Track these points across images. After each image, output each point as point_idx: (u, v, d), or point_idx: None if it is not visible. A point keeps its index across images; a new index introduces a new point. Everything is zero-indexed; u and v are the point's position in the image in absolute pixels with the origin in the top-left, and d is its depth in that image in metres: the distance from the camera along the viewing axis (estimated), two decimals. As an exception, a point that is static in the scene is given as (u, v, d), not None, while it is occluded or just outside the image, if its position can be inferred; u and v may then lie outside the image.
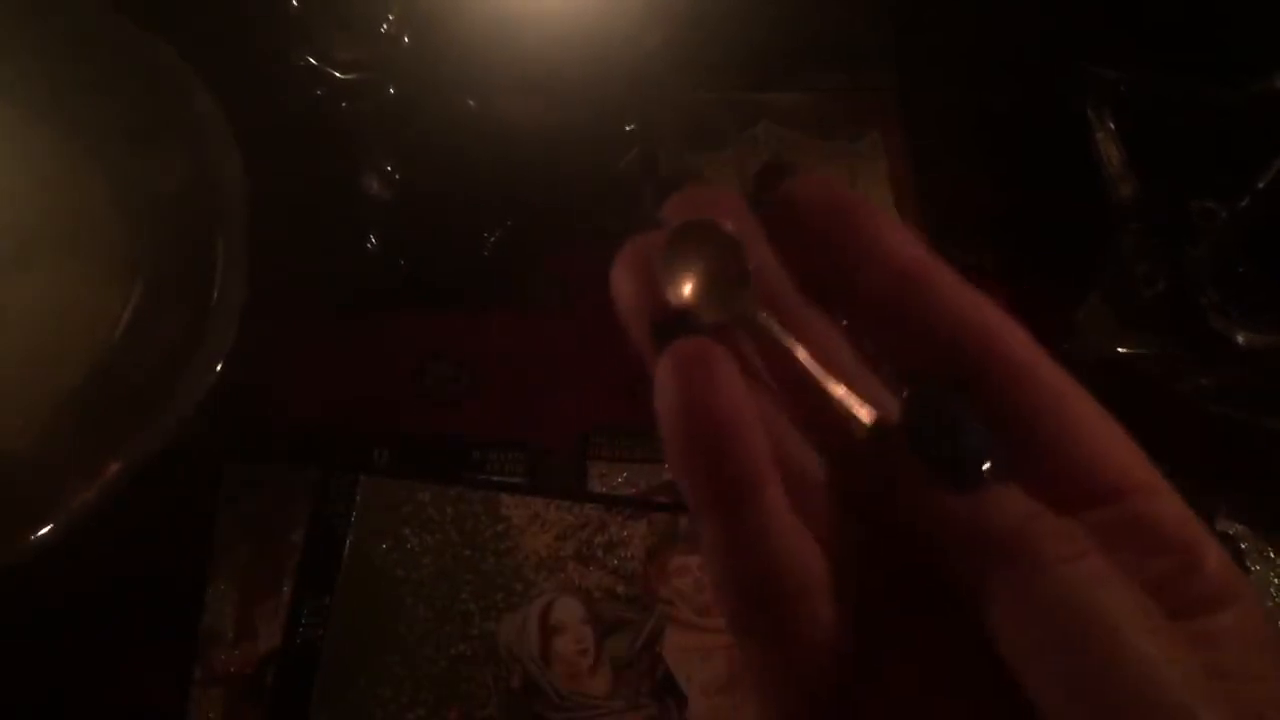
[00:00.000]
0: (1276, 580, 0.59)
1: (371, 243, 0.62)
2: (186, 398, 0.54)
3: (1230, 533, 0.60)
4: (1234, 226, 0.62)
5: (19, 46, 0.59)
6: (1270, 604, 0.58)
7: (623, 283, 0.26)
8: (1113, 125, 0.64)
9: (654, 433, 0.60)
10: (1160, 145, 0.64)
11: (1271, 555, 0.59)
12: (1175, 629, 0.21)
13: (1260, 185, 0.62)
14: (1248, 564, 0.59)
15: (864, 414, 0.24)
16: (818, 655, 0.23)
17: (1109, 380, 0.62)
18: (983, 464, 0.23)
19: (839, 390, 0.25)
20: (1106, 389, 0.65)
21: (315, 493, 0.56)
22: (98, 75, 0.59)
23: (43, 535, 0.50)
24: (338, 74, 0.56)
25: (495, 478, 0.58)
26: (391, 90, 0.57)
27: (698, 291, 0.25)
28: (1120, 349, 0.62)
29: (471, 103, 0.57)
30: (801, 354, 0.25)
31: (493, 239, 0.63)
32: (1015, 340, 0.25)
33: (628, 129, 0.63)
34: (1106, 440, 0.24)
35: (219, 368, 0.54)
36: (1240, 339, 0.60)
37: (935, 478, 0.23)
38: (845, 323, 0.26)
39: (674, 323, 0.24)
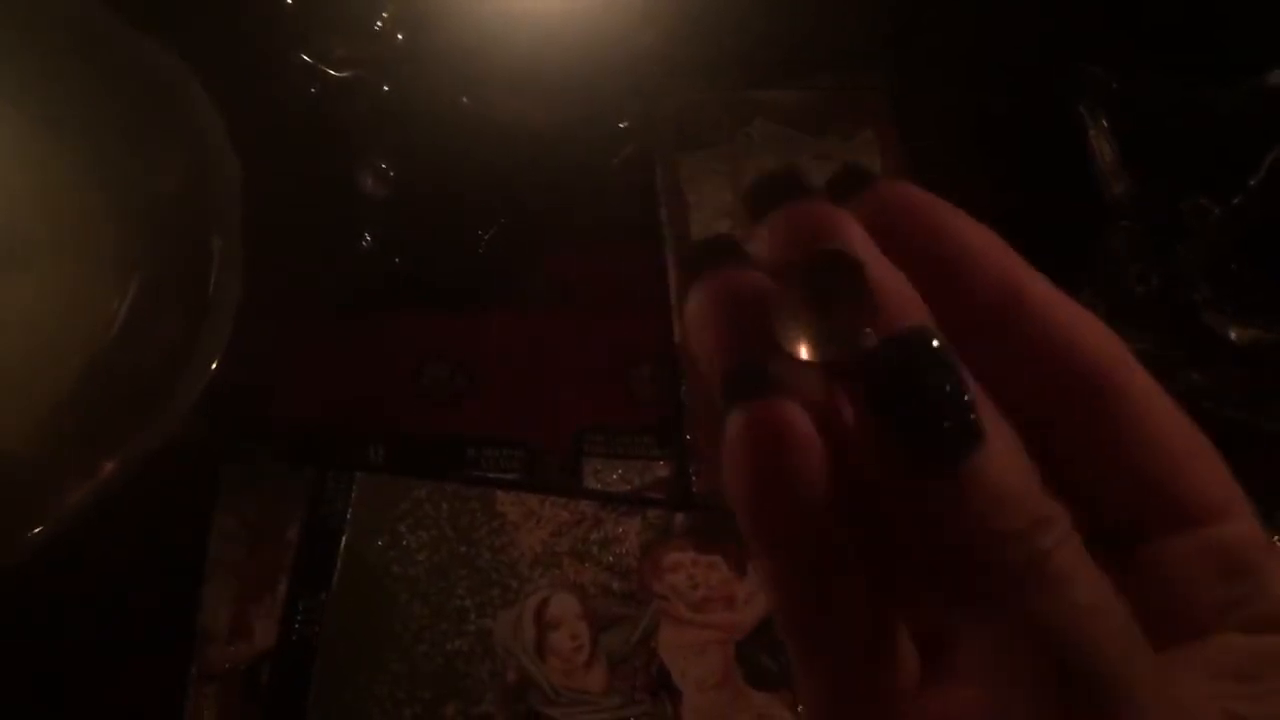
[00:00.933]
0: (1270, 575, 0.59)
1: (367, 241, 0.63)
2: (183, 397, 0.54)
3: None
4: (1227, 224, 0.62)
5: (16, 47, 0.59)
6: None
7: (706, 329, 0.23)
8: (1106, 124, 0.64)
9: (648, 431, 0.59)
10: (1153, 143, 0.64)
11: (1265, 550, 0.60)
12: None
13: (1253, 183, 0.62)
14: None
15: None
16: (872, 693, 0.22)
17: None
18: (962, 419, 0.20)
19: None
20: None
21: (311, 490, 0.57)
22: (94, 76, 0.59)
23: (38, 534, 0.51)
24: (332, 72, 0.56)
25: (491, 475, 0.58)
26: (386, 88, 0.57)
27: (818, 334, 0.21)
28: None
29: (466, 100, 0.57)
30: None
31: (488, 237, 0.63)
32: (1132, 369, 0.24)
33: (622, 126, 0.63)
34: (1204, 470, 0.24)
35: (215, 367, 0.54)
36: (1233, 335, 0.60)
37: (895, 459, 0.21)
38: None
39: (753, 374, 0.22)
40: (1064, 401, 0.24)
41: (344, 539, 0.55)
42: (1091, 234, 0.64)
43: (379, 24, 0.56)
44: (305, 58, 0.57)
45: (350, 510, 0.56)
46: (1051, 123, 0.67)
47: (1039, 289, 0.24)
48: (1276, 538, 0.60)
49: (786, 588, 0.22)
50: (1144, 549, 0.24)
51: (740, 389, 0.22)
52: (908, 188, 0.24)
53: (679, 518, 0.57)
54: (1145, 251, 0.62)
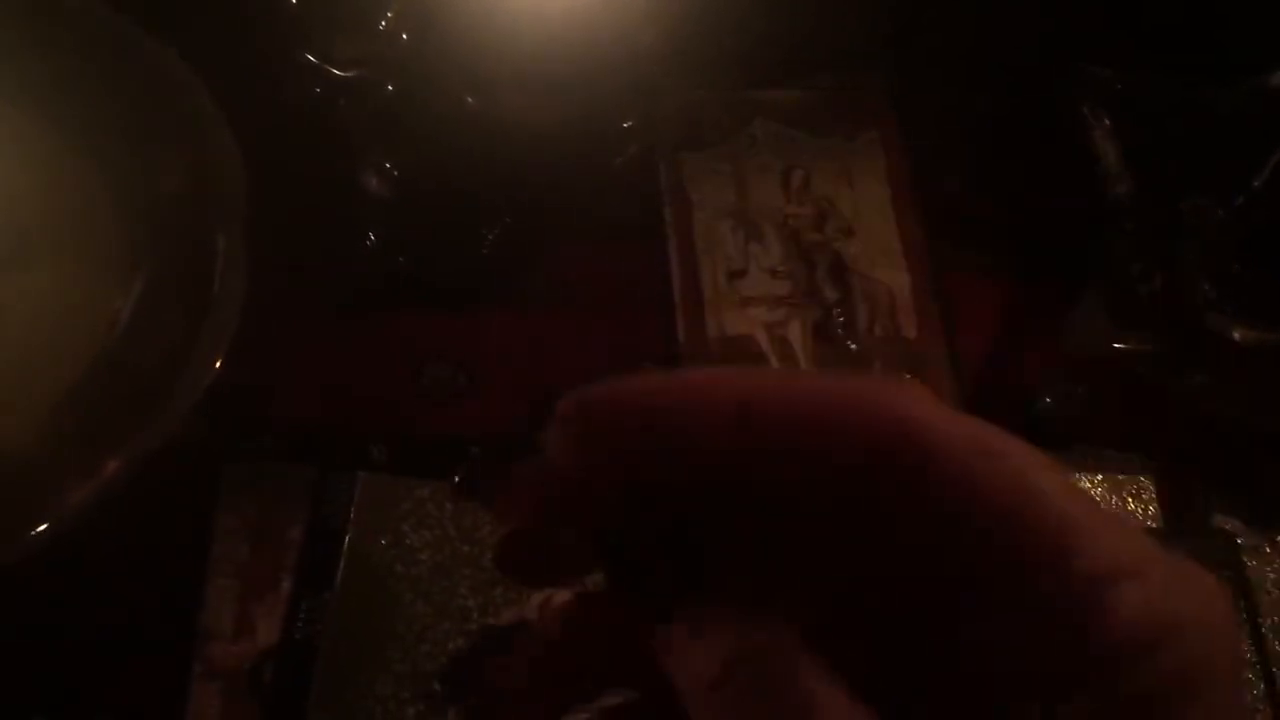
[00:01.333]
0: (1273, 575, 0.59)
1: (371, 240, 0.63)
2: (185, 396, 0.54)
3: (1226, 528, 0.60)
4: (1230, 225, 0.62)
5: (20, 46, 0.59)
6: (1266, 598, 0.59)
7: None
8: (1108, 124, 0.64)
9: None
10: (1155, 144, 0.64)
11: (1267, 550, 0.60)
12: None
13: (1257, 183, 0.62)
14: (1244, 559, 0.59)
15: None
16: None
17: (1104, 378, 0.63)
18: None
19: None
20: (1102, 387, 0.65)
21: (314, 490, 0.57)
22: (98, 75, 0.59)
23: (40, 533, 0.51)
24: (336, 71, 0.56)
25: (493, 474, 0.58)
26: (390, 88, 0.57)
27: None
28: (1115, 346, 0.62)
29: (470, 100, 0.57)
30: None
31: (491, 237, 0.63)
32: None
33: (625, 126, 0.64)
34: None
35: (218, 366, 0.54)
36: (1236, 336, 0.60)
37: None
38: None
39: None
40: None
41: (347, 538, 0.55)
42: (1093, 235, 0.64)
43: (383, 23, 0.56)
44: (309, 57, 0.57)
45: (353, 510, 0.56)
46: (1053, 123, 0.68)
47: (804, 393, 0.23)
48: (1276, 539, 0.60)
49: None
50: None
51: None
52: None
53: (682, 517, 0.57)
54: (1147, 252, 0.62)
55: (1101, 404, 0.63)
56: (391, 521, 0.56)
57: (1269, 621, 0.57)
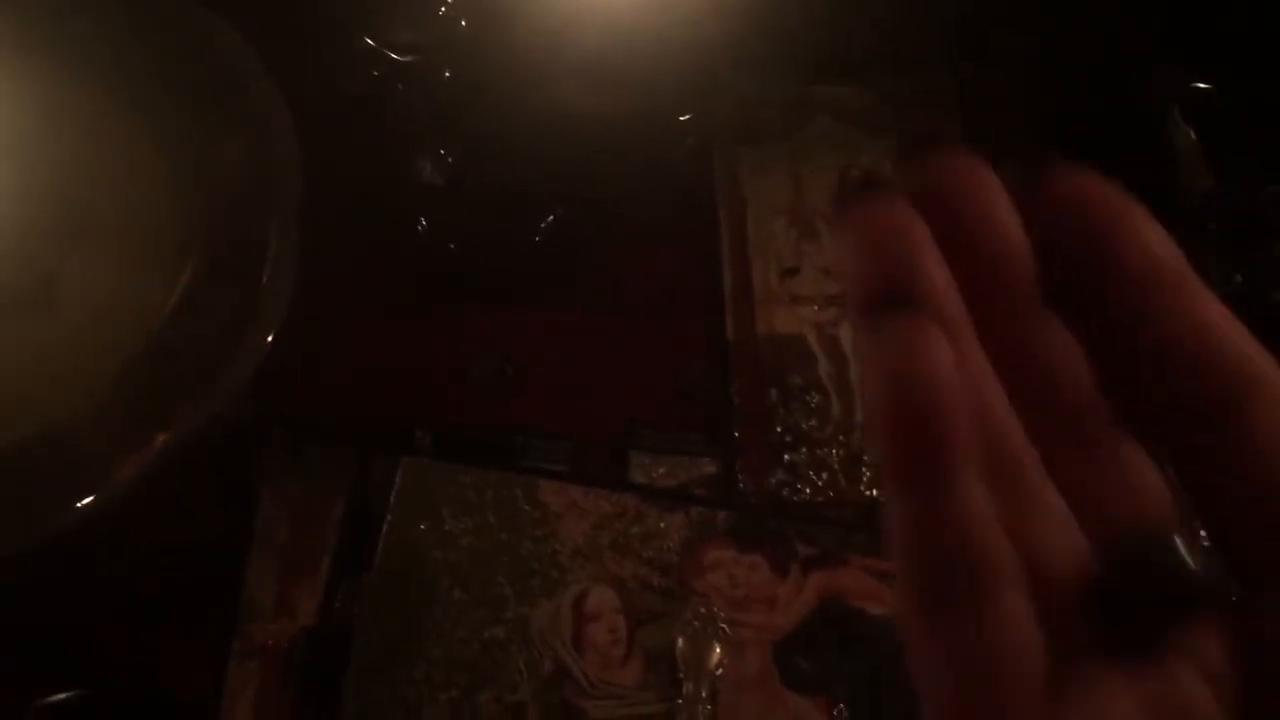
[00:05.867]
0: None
1: (422, 227, 0.63)
2: (235, 375, 0.54)
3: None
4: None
5: (82, 27, 0.60)
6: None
7: (858, 253, 0.24)
8: (1186, 122, 0.63)
9: (696, 428, 0.58)
10: (1234, 143, 0.62)
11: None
12: None
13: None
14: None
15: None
16: (999, 649, 0.21)
17: None
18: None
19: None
20: None
21: (356, 473, 0.57)
22: (158, 56, 0.60)
23: (88, 505, 0.51)
24: (395, 56, 0.56)
25: (537, 465, 0.58)
26: (447, 74, 0.57)
27: None
28: None
29: (527, 88, 0.57)
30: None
31: (543, 228, 0.63)
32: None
33: (682, 119, 0.63)
34: None
35: (267, 346, 0.55)
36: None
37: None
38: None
39: (890, 297, 0.23)
40: (1201, 413, 0.23)
41: (387, 522, 0.55)
42: (1172, 234, 0.62)
43: (443, 9, 0.56)
44: (368, 41, 0.57)
45: (394, 494, 0.56)
46: (1127, 124, 0.66)
47: (1191, 288, 0.23)
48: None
49: (916, 522, 0.22)
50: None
51: (886, 305, 0.22)
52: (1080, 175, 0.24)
53: (722, 516, 0.56)
54: (1227, 253, 0.60)
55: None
56: (432, 507, 0.56)
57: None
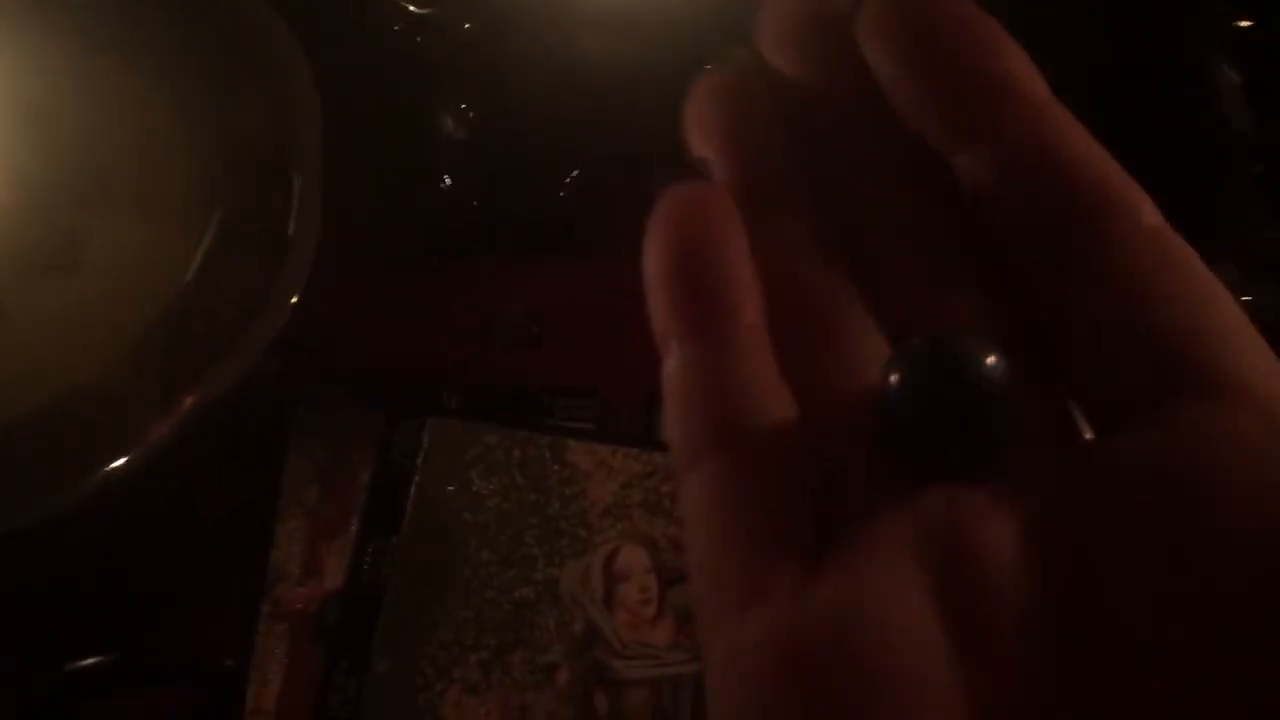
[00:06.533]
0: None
1: (445, 183, 0.62)
2: (260, 335, 0.54)
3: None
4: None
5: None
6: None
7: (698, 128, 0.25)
8: (1228, 61, 0.61)
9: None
10: (1278, 83, 0.60)
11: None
12: None
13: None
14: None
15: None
16: (766, 513, 0.20)
17: None
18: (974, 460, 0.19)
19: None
20: None
21: (384, 434, 0.56)
22: (175, 12, 0.59)
23: (119, 467, 0.51)
24: (413, 8, 0.55)
25: (564, 424, 0.58)
26: (467, 25, 0.56)
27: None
28: (1243, 298, 0.59)
29: (549, 39, 0.56)
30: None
31: (568, 181, 0.62)
32: (1141, 214, 0.21)
33: (707, 69, 0.61)
34: (1223, 337, 0.20)
35: (292, 306, 0.54)
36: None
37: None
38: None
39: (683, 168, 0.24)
40: (1049, 233, 0.21)
41: (414, 483, 0.55)
42: (1214, 181, 0.61)
43: (460, -40, 0.55)
44: (386, -7, 0.56)
45: (421, 455, 0.56)
46: (1167, 62, 0.64)
47: (1039, 97, 0.22)
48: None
49: (687, 372, 0.21)
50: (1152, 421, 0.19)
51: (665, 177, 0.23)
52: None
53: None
54: (1269, 192, 0.59)
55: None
56: (460, 468, 0.56)
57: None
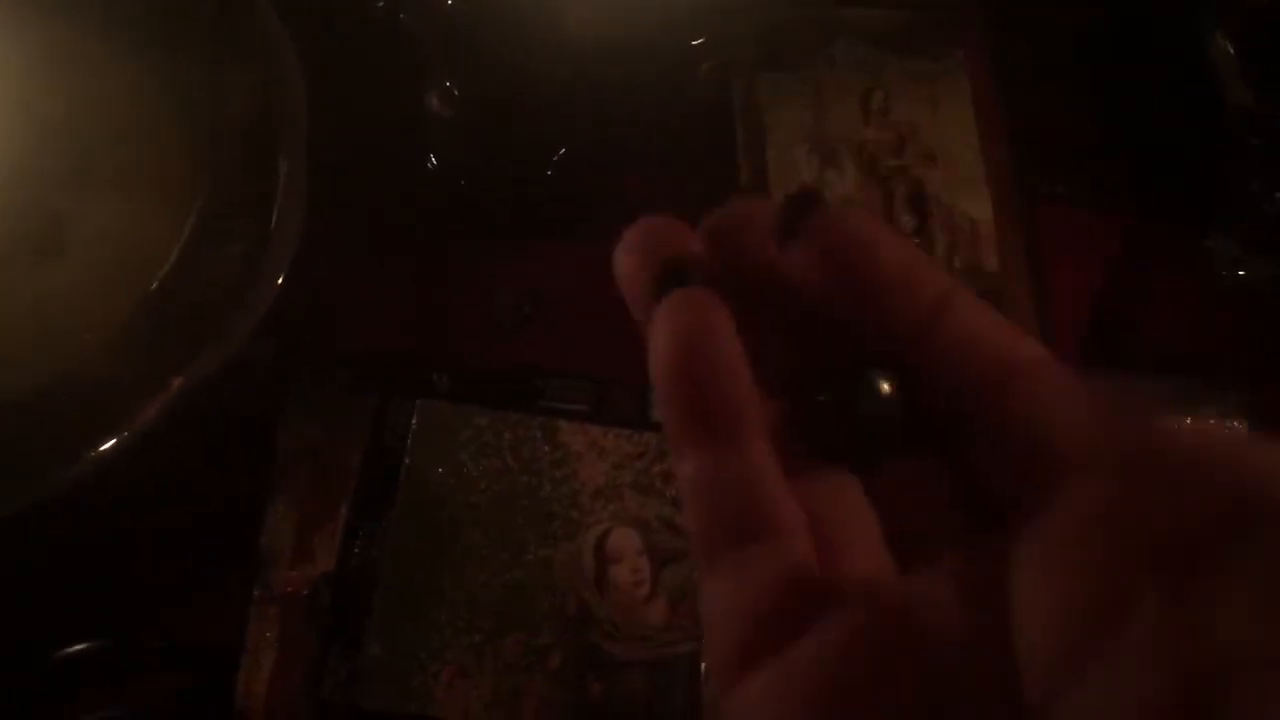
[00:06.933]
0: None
1: (432, 164, 0.61)
2: (248, 316, 0.53)
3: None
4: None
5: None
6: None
7: (626, 256, 0.27)
8: (1227, 36, 0.60)
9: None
10: (1276, 57, 0.60)
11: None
12: None
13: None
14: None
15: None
16: (776, 593, 0.23)
17: (1236, 308, 0.59)
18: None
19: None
20: (1234, 317, 0.61)
21: (374, 417, 0.56)
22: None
23: (110, 448, 0.51)
24: (397, -15, 0.54)
25: (557, 405, 0.57)
26: (450, 2, 0.55)
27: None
28: (1242, 273, 0.59)
29: (534, 16, 0.55)
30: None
31: (557, 160, 0.61)
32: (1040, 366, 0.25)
33: (696, 43, 0.61)
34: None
35: (278, 287, 0.54)
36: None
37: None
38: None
39: (673, 277, 0.26)
40: (966, 395, 0.25)
41: (405, 466, 0.55)
42: (1212, 153, 0.60)
43: (444, -65, 0.54)
44: (370, -30, 0.55)
45: (412, 437, 0.55)
46: (1167, 37, 0.63)
47: (958, 301, 0.26)
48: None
49: (702, 476, 0.24)
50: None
51: (665, 285, 0.25)
52: (855, 216, 0.26)
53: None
54: (1268, 167, 0.58)
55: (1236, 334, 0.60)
56: (451, 450, 0.55)
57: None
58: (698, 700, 0.49)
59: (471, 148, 0.61)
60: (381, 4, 0.55)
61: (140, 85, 0.58)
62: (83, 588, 0.53)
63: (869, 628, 0.22)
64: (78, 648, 0.51)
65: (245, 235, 0.56)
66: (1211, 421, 0.57)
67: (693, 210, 0.65)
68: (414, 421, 0.56)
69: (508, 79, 0.58)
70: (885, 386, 0.25)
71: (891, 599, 0.23)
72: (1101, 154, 0.66)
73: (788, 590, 0.23)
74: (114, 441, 0.51)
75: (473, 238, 0.62)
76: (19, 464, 0.51)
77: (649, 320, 0.25)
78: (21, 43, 0.58)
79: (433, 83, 0.58)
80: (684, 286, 0.25)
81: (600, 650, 0.52)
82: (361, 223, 0.61)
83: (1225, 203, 0.60)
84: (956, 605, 0.22)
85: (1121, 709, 0.19)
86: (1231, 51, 0.60)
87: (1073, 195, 0.65)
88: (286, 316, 0.54)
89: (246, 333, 0.53)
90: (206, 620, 0.53)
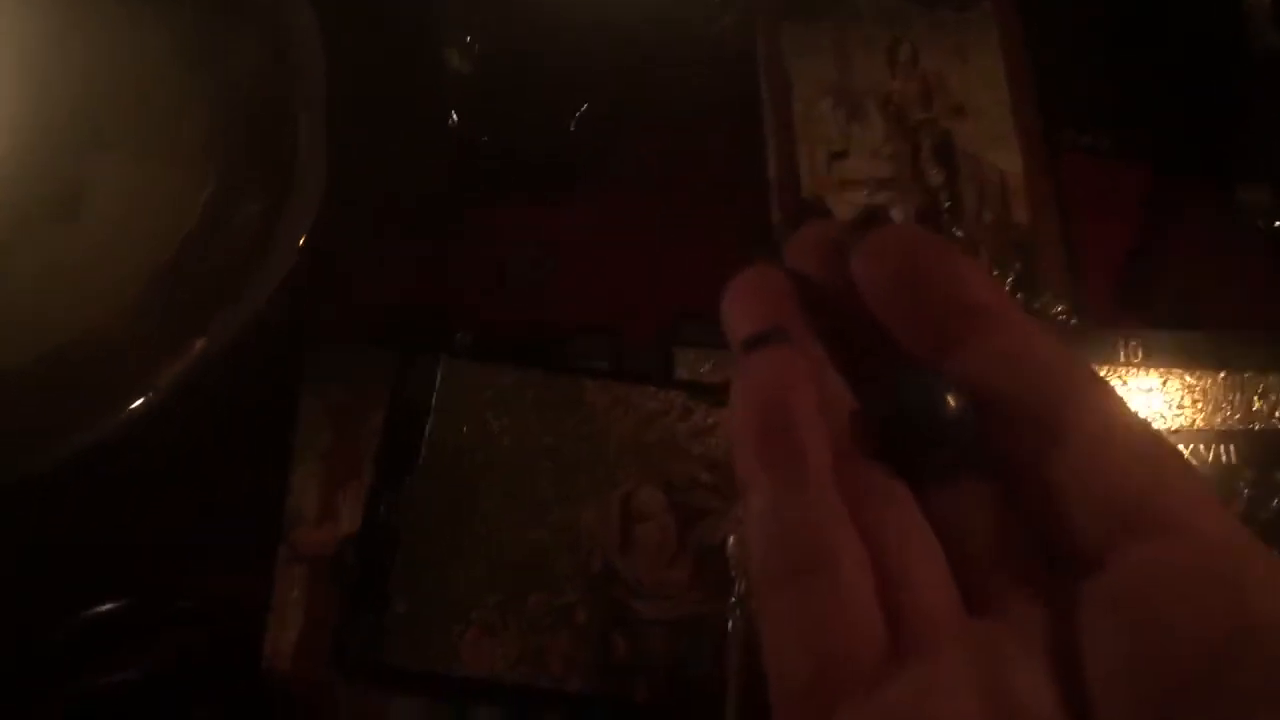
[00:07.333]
0: None
1: (453, 120, 0.61)
2: (270, 276, 0.53)
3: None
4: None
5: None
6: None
7: (729, 303, 0.30)
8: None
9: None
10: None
11: None
12: None
13: None
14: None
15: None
16: (837, 627, 0.24)
17: (1269, 258, 0.58)
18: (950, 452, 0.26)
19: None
20: (1267, 268, 0.60)
21: (397, 375, 0.56)
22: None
23: (138, 407, 0.51)
24: (414, -61, 0.53)
25: (579, 363, 0.57)
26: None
27: None
28: (1278, 224, 0.57)
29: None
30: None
31: (579, 114, 0.60)
32: (1098, 397, 0.26)
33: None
34: (1163, 483, 0.25)
35: (300, 247, 0.54)
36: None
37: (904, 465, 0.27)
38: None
39: (760, 337, 0.28)
40: (1021, 422, 0.26)
41: (428, 425, 0.54)
42: (1244, 102, 0.59)
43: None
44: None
45: (435, 396, 0.55)
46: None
47: (1011, 319, 0.27)
48: None
49: (768, 513, 0.26)
50: (1115, 564, 0.24)
51: (756, 343, 0.28)
52: (910, 230, 0.31)
53: (772, 410, 0.55)
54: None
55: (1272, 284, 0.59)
56: (474, 409, 0.55)
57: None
58: (723, 659, 0.48)
59: (492, 104, 0.60)
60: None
61: (152, 45, 0.57)
62: (108, 550, 0.53)
63: (950, 679, 0.23)
64: (103, 608, 0.51)
65: (265, 195, 0.56)
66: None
67: (714, 167, 0.64)
68: (437, 380, 0.55)
69: (528, 31, 0.58)
70: (950, 398, 0.26)
71: (969, 646, 0.24)
72: (1131, 105, 0.65)
73: (853, 628, 0.24)
74: (138, 404, 0.51)
75: (492, 194, 0.61)
76: (42, 426, 0.51)
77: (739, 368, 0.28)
78: (30, 6, 0.57)
79: (452, 37, 0.58)
80: (771, 343, 0.27)
81: (625, 609, 0.52)
82: (380, 181, 0.60)
83: (1256, 152, 0.59)
84: (1034, 658, 0.23)
85: None
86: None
87: (1102, 146, 0.63)
88: (308, 276, 0.54)
89: (268, 294, 0.53)
90: (232, 581, 0.54)
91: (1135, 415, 0.26)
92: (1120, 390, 0.55)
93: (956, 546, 0.26)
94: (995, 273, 0.59)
